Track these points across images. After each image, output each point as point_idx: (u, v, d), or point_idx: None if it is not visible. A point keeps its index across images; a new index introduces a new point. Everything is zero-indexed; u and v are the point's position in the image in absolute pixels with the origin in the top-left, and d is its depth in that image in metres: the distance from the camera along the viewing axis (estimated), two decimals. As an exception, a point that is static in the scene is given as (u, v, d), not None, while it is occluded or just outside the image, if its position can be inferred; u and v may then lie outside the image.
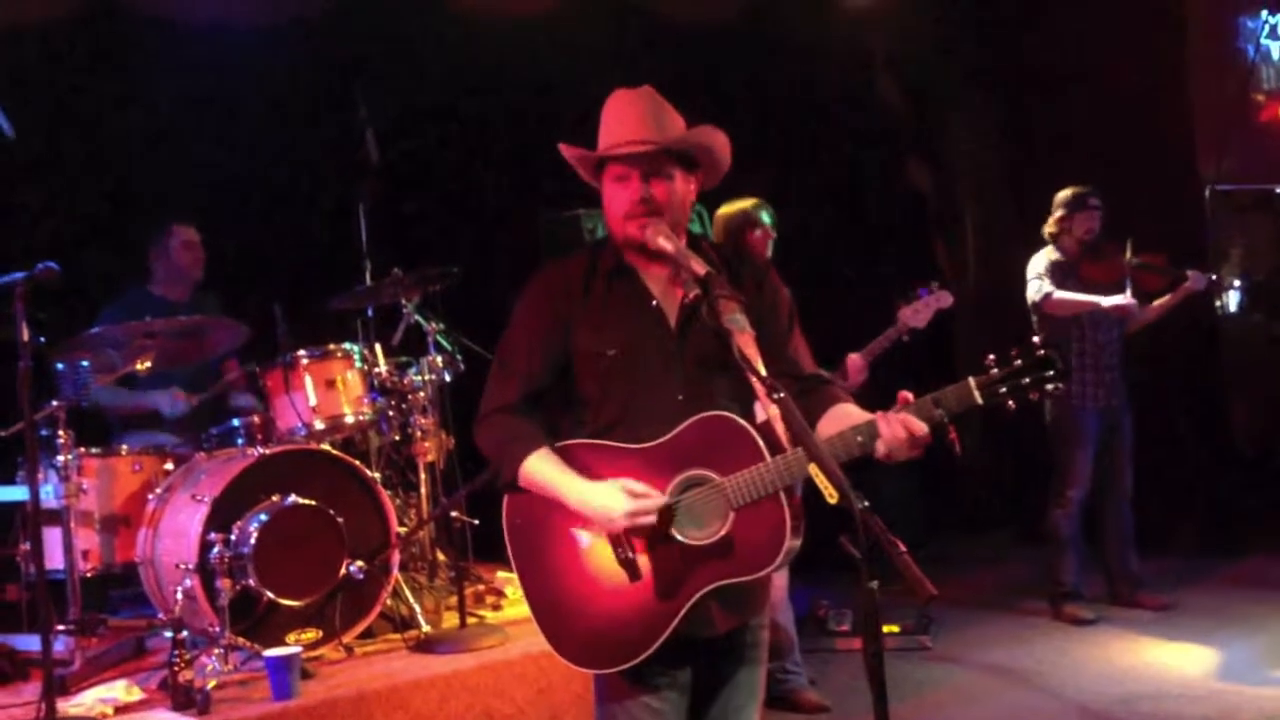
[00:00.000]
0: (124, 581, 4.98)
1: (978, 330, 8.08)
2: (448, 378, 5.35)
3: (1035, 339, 2.47)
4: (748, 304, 2.61)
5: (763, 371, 2.49)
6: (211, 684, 4.08)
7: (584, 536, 2.65)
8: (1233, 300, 8.31)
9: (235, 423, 4.99)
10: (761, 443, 2.52)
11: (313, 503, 4.61)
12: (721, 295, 2.56)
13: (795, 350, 2.79)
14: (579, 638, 2.65)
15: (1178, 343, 7.26)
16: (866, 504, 2.21)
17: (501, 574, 5.55)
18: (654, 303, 2.71)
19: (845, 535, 2.22)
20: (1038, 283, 6.12)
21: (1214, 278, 6.74)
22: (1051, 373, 2.42)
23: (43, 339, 4.01)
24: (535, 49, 6.95)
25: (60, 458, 4.45)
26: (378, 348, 5.34)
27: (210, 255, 5.74)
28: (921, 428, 2.44)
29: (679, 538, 2.57)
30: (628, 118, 2.67)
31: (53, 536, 4.42)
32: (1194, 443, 7.74)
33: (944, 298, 5.15)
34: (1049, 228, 6.23)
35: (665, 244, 2.62)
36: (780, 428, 2.49)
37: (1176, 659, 5.46)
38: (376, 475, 5.00)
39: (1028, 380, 2.43)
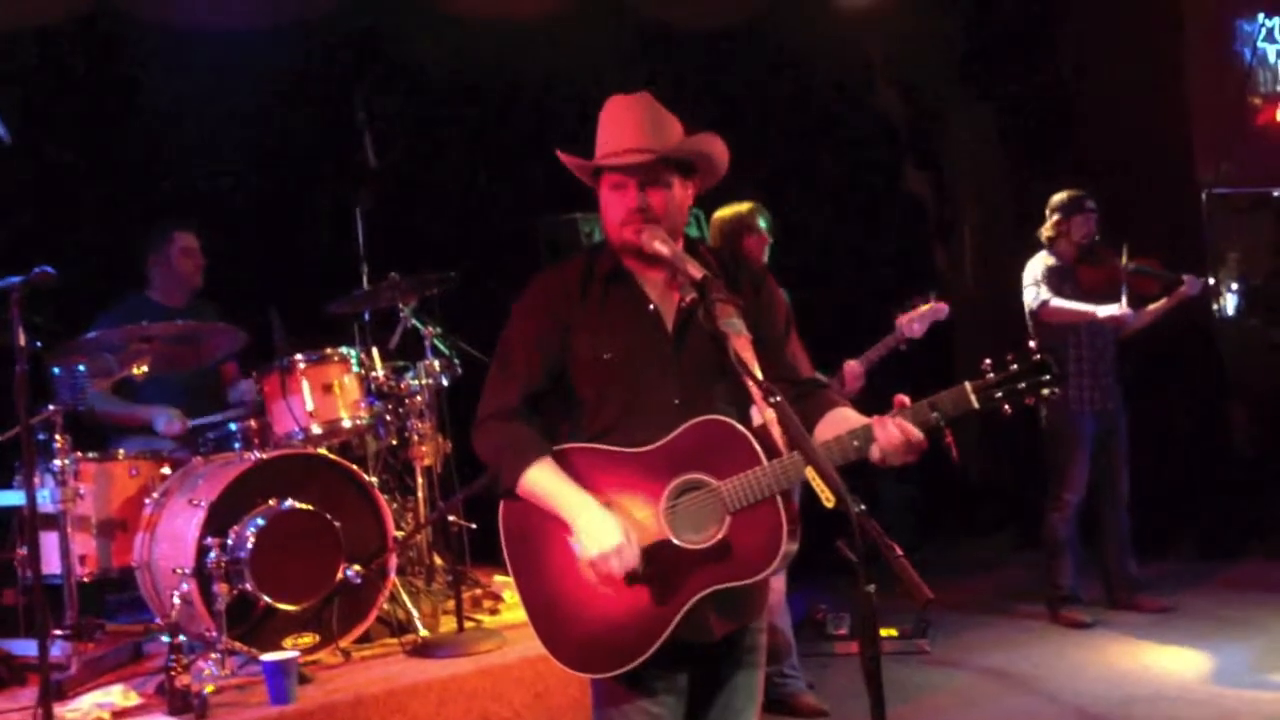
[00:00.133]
0: (121, 586, 4.97)
1: (976, 334, 8.09)
2: (445, 382, 5.34)
3: (1031, 343, 2.48)
4: (745, 308, 2.61)
5: (759, 375, 2.49)
6: (208, 689, 4.07)
7: (580, 541, 2.65)
8: (1230, 303, 8.32)
9: (232, 427, 4.99)
10: (758, 446, 2.52)
11: (310, 507, 4.61)
12: (718, 299, 2.55)
13: (792, 354, 2.79)
14: (576, 642, 2.65)
15: (1175, 346, 7.27)
16: (863, 508, 2.21)
17: (499, 578, 5.54)
18: (651, 307, 2.71)
19: (842, 539, 2.22)
20: (1034, 289, 6.12)
21: (1210, 282, 6.75)
22: (1047, 377, 2.43)
23: (39, 343, 4.01)
24: (534, 52, 6.95)
25: (57, 462, 4.43)
26: (375, 352, 5.33)
27: (207, 259, 5.73)
28: (916, 434, 2.44)
29: (675, 542, 2.57)
30: (625, 125, 2.67)
31: (49, 541, 4.41)
32: (1192, 446, 7.75)
33: (941, 309, 5.15)
34: (1046, 232, 6.23)
35: (661, 248, 2.62)
36: (777, 431, 2.49)
37: (1175, 662, 5.46)
38: (374, 479, 4.99)
39: (1024, 385, 2.43)
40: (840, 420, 2.60)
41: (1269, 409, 8.01)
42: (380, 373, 5.25)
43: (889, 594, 2.25)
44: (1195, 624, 6.00)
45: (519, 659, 4.46)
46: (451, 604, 4.92)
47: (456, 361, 5.41)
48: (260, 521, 4.48)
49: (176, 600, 4.31)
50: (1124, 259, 6.05)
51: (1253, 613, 6.13)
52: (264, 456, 4.64)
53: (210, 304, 5.69)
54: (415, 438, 5.21)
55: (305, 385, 4.92)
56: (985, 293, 8.46)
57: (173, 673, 4.01)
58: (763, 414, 2.51)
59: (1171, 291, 6.17)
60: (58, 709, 3.91)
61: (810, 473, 2.37)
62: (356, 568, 4.62)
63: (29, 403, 3.84)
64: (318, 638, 4.59)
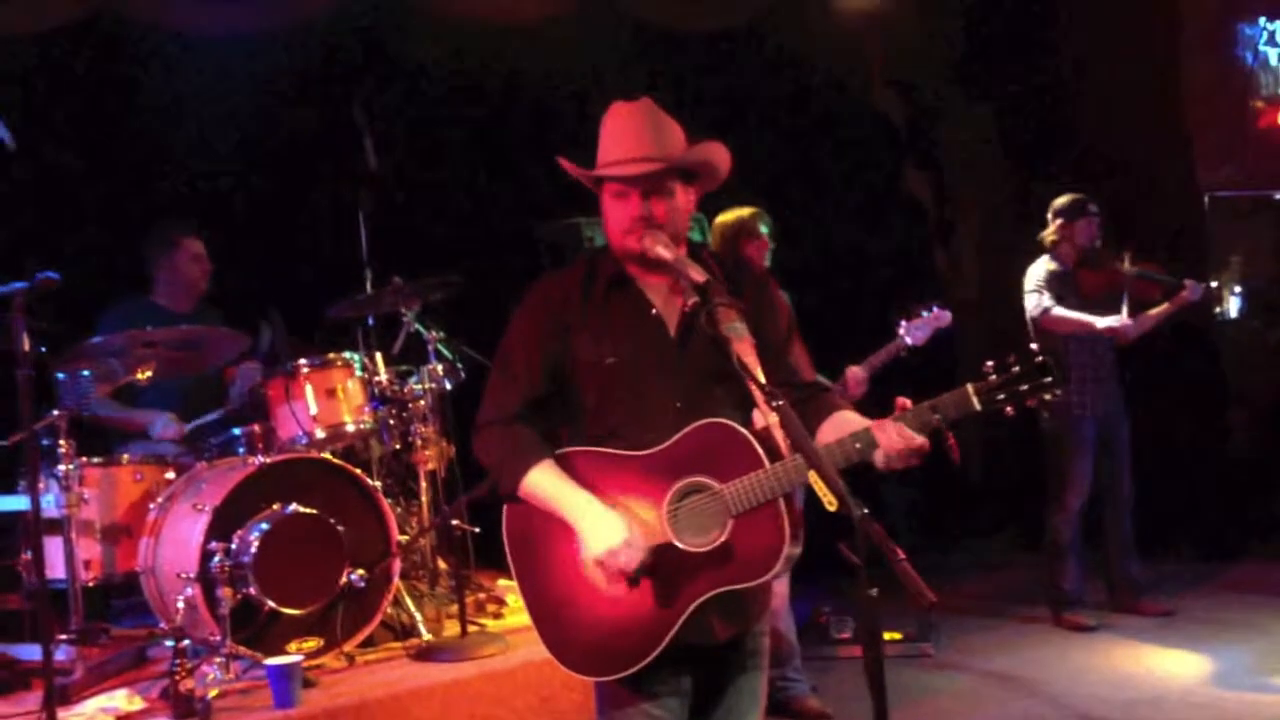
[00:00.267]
0: (125, 591, 4.97)
1: (978, 337, 8.09)
2: (448, 386, 5.35)
3: (1033, 345, 2.48)
4: (747, 312, 2.62)
5: (762, 379, 2.50)
6: (213, 693, 4.08)
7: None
8: (1232, 307, 8.32)
9: (236, 431, 4.99)
10: (760, 450, 2.53)
11: (314, 511, 4.61)
12: (720, 303, 2.56)
13: (795, 358, 2.80)
14: (579, 645, 2.65)
15: (1177, 349, 7.26)
16: (866, 511, 2.22)
17: (503, 582, 5.54)
18: (654, 311, 2.72)
19: (845, 542, 2.22)
20: (1036, 296, 6.10)
21: (1211, 285, 6.74)
22: (1050, 379, 2.44)
23: (43, 348, 4.01)
24: (533, 53, 6.96)
25: (61, 467, 4.44)
26: (378, 356, 5.34)
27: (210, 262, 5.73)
28: (917, 440, 2.45)
29: (678, 545, 2.58)
30: (626, 133, 2.68)
31: (54, 546, 4.41)
32: (1194, 449, 7.74)
33: (944, 317, 5.17)
34: (1048, 236, 6.19)
35: (664, 252, 2.63)
36: (779, 435, 2.49)
37: (1177, 665, 5.46)
38: (377, 484, 4.99)
39: (1026, 387, 2.44)
40: (842, 423, 2.61)
41: (1270, 411, 8.01)
42: (384, 377, 5.26)
43: (892, 597, 2.26)
44: (1198, 627, 5.99)
45: (523, 663, 4.46)
46: (455, 608, 4.93)
47: (459, 365, 5.42)
48: (264, 526, 4.48)
49: (181, 605, 4.31)
50: (1126, 264, 6.04)
51: (1255, 615, 6.13)
52: (268, 461, 4.65)
53: (214, 309, 5.68)
54: (419, 442, 5.22)
55: (309, 390, 4.93)
56: (986, 296, 8.46)
57: (177, 677, 4.01)
58: (765, 417, 2.52)
59: (1172, 296, 6.14)
60: (62, 713, 3.92)
61: (813, 476, 2.38)
62: (360, 572, 4.63)
63: (34, 408, 3.85)
64: (322, 642, 4.59)
